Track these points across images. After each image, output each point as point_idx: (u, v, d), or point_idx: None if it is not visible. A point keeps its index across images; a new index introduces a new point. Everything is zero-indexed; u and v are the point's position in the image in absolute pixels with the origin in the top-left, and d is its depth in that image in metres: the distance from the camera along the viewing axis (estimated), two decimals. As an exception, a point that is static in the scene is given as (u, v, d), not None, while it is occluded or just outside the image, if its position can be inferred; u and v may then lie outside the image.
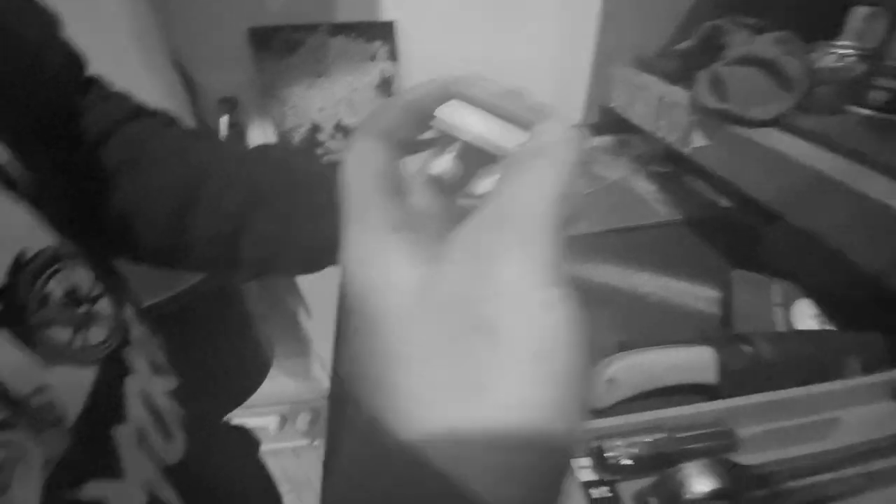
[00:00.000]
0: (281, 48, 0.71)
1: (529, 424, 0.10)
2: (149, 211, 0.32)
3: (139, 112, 0.35)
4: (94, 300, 0.24)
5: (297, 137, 0.79)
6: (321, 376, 1.12)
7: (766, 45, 0.43)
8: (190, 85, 0.71)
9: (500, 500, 0.10)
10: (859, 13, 0.47)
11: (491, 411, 0.10)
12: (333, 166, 0.33)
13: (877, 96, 0.43)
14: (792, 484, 0.26)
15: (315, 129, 0.79)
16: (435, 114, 0.15)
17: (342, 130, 0.80)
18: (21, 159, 0.23)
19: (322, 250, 0.32)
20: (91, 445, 0.21)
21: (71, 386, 0.20)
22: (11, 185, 0.21)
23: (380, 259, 0.13)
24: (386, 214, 0.13)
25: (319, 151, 0.81)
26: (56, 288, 0.21)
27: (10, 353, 0.18)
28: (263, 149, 0.34)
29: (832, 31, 0.50)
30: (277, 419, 1.14)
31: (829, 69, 0.43)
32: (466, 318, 0.10)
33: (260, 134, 0.79)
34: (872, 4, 0.47)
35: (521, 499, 0.10)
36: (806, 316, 0.37)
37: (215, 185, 0.32)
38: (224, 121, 0.73)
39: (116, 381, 0.23)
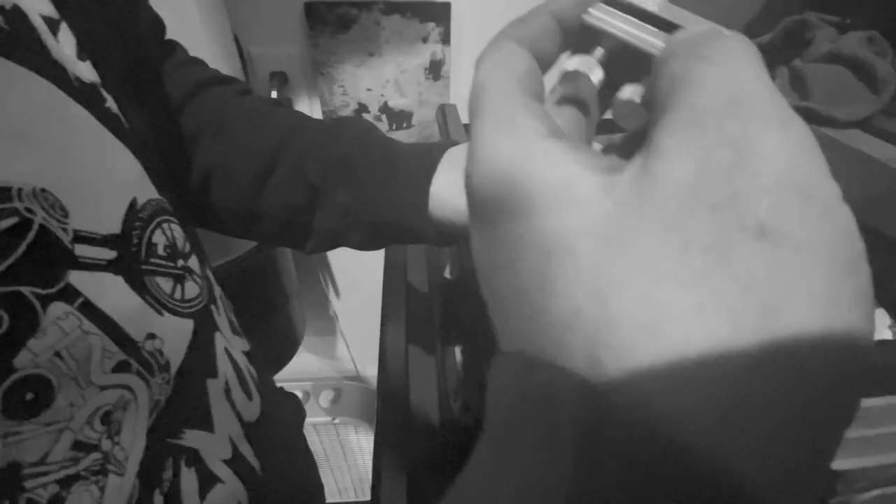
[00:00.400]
0: (335, 24, 0.71)
1: (823, 356, 0.07)
2: (230, 174, 0.32)
3: (218, 78, 0.35)
4: (187, 256, 0.24)
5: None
6: (345, 356, 1.13)
7: (855, 44, 0.41)
8: (243, 57, 0.72)
9: (753, 469, 0.07)
10: (955, 15, 0.45)
11: (776, 335, 0.07)
12: (414, 146, 0.33)
13: (970, 103, 0.41)
14: (877, 492, 0.25)
15: (361, 108, 0.79)
16: (588, 10, 0.13)
17: (387, 112, 0.80)
18: (123, 111, 0.23)
19: (391, 227, 0.32)
20: (189, 395, 0.21)
21: (175, 335, 0.21)
22: (123, 134, 0.21)
23: (546, 165, 0.10)
24: (540, 119, 0.11)
25: (363, 131, 0.81)
26: (160, 240, 0.22)
27: (126, 299, 0.19)
28: (346, 122, 0.34)
29: (921, 33, 0.47)
30: (300, 395, 1.16)
31: (918, 72, 0.41)
32: (721, 222, 0.08)
33: (306, 111, 0.79)
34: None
35: (789, 467, 0.08)
36: (882, 326, 0.36)
37: (295, 153, 0.32)
38: (273, 95, 0.73)
39: (208, 336, 0.24)
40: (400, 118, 0.82)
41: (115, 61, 0.25)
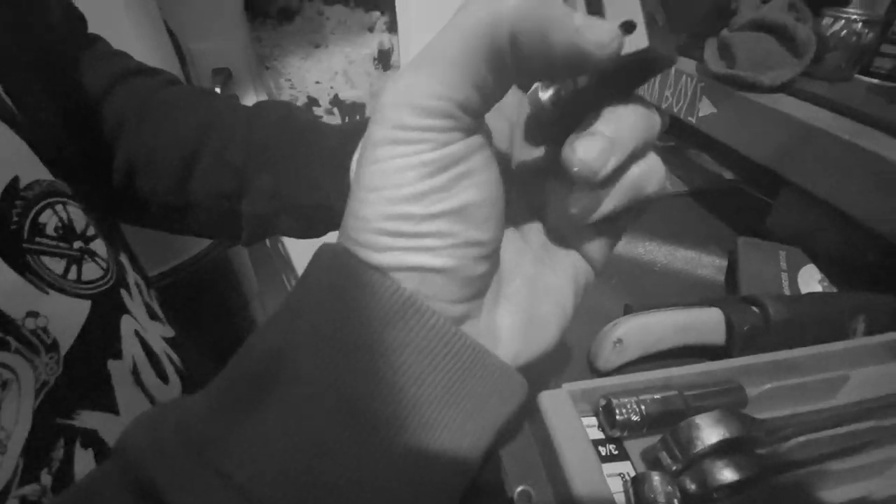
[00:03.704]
0: (277, 16, 0.69)
1: None
2: (154, 165, 0.31)
3: (142, 69, 0.34)
4: (90, 240, 0.23)
5: (293, 111, 0.78)
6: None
7: (777, 10, 0.42)
8: (182, 55, 0.69)
9: None
10: (869, -20, 0.46)
11: None
12: (336, 126, 0.33)
13: (883, 64, 0.43)
14: (802, 438, 0.25)
15: (311, 102, 0.77)
16: None
17: (339, 105, 0.79)
18: (16, 99, 0.22)
19: (321, 210, 0.31)
20: (84, 375, 0.20)
21: (64, 315, 0.20)
22: (7, 116, 0.21)
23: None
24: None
25: (316, 126, 0.80)
26: (50, 220, 0.21)
27: (2, 276, 0.18)
28: (267, 105, 0.33)
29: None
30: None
31: (837, 36, 0.42)
32: None
33: (255, 107, 0.77)
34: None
35: None
36: (812, 280, 0.37)
37: (218, 140, 0.31)
38: (217, 92, 0.71)
39: (112, 318, 0.23)
40: (352, 110, 0.80)
41: (8, 44, 0.24)
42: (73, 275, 0.21)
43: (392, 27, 0.73)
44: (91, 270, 0.22)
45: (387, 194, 0.12)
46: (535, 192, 0.18)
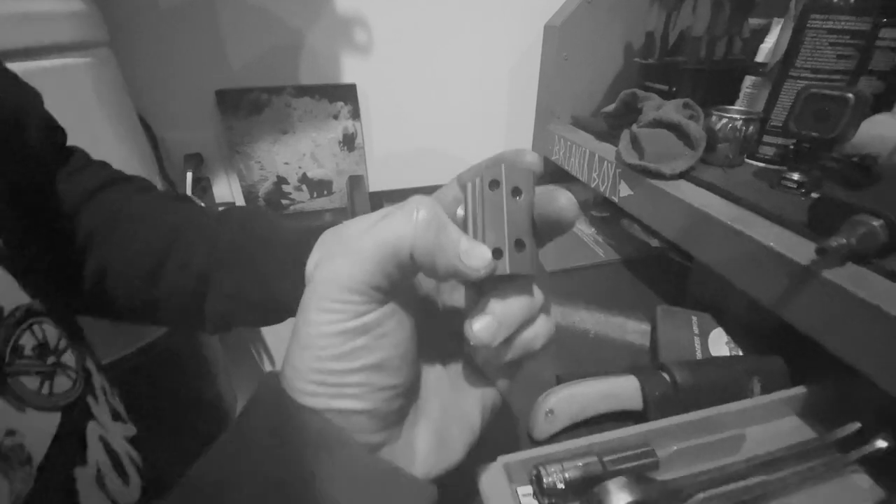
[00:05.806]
0: (247, 108, 0.75)
1: None
2: (123, 271, 0.34)
3: (116, 179, 0.38)
4: (61, 353, 0.26)
5: (263, 190, 0.83)
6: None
7: (671, 111, 0.50)
8: (156, 141, 0.74)
9: None
10: (747, 82, 0.56)
11: None
12: (293, 229, 0.37)
13: (766, 151, 0.51)
14: (703, 494, 0.29)
15: (280, 181, 0.83)
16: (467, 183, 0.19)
17: (307, 182, 0.84)
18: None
19: (279, 305, 0.35)
20: (54, 485, 0.22)
21: (38, 430, 0.22)
22: None
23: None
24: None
25: (285, 202, 0.84)
26: (28, 341, 0.23)
27: None
28: (232, 212, 0.37)
29: (731, 96, 0.58)
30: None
31: (727, 128, 0.50)
32: None
33: (226, 187, 0.81)
34: (759, 76, 0.56)
35: None
36: (720, 343, 0.42)
37: (183, 245, 0.35)
38: (189, 176, 0.75)
39: (79, 426, 0.25)
40: (320, 187, 0.86)
41: None
42: (45, 390, 0.23)
43: (355, 114, 0.80)
44: (62, 383, 0.24)
45: (315, 353, 0.16)
46: (458, 324, 0.22)
